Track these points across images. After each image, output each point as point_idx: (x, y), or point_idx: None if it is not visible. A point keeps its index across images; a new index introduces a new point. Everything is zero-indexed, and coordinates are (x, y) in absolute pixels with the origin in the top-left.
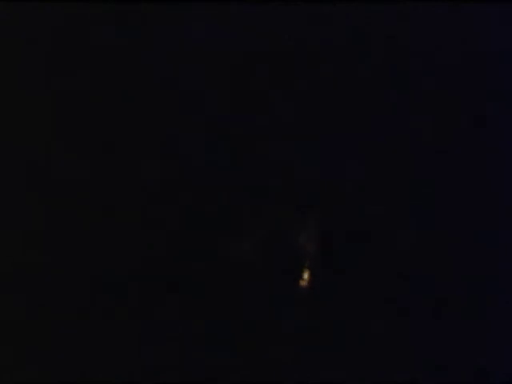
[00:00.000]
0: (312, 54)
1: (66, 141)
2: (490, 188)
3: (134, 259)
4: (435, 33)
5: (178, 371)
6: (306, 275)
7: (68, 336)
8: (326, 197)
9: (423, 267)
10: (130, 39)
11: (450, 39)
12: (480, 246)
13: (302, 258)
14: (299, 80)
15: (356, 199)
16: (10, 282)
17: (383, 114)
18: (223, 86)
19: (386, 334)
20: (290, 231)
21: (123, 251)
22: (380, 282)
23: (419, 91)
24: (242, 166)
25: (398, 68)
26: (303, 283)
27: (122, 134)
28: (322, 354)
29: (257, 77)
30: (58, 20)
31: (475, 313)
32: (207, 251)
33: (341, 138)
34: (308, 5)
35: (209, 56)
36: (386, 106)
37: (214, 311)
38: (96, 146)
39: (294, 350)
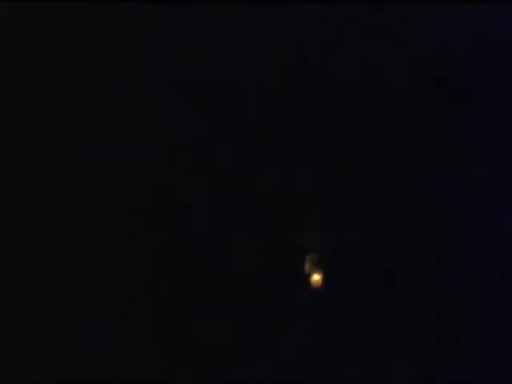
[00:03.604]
0: (312, 54)
1: (64, 140)
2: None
3: (137, 262)
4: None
5: (184, 374)
6: (317, 276)
7: (68, 336)
8: (333, 199)
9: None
10: (130, 39)
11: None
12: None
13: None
14: (298, 80)
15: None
16: (9, 282)
17: (383, 115)
18: (223, 86)
19: (393, 336)
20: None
21: (124, 253)
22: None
23: (419, 92)
24: (245, 167)
25: (399, 69)
26: (314, 283)
27: (122, 134)
28: (330, 355)
29: (257, 77)
30: (57, 20)
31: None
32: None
33: (343, 138)
34: (308, 5)
35: (209, 56)
36: (384, 107)
37: (220, 316)
38: (95, 146)
39: (302, 351)
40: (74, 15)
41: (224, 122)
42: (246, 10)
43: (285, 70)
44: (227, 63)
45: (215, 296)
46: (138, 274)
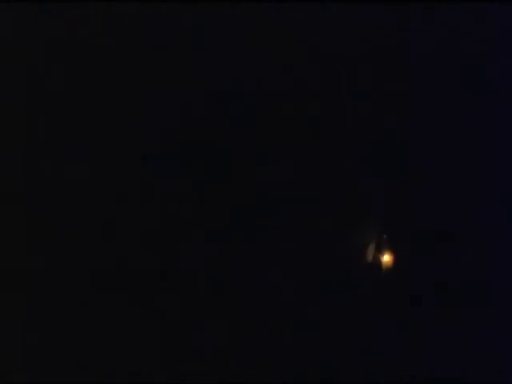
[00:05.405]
0: (311, 53)
1: (64, 140)
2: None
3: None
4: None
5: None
6: (387, 257)
7: (67, 336)
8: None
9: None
10: (130, 39)
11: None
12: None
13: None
14: (301, 78)
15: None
16: (9, 282)
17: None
18: (224, 86)
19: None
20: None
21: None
22: None
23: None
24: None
25: (400, 69)
26: (385, 264)
27: (122, 135)
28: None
29: (258, 76)
30: (57, 20)
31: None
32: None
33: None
34: (308, 6)
35: (212, 56)
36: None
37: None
38: (95, 146)
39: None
40: (74, 15)
41: (228, 123)
42: (248, 9)
43: (285, 70)
44: (228, 63)
45: None
46: None
